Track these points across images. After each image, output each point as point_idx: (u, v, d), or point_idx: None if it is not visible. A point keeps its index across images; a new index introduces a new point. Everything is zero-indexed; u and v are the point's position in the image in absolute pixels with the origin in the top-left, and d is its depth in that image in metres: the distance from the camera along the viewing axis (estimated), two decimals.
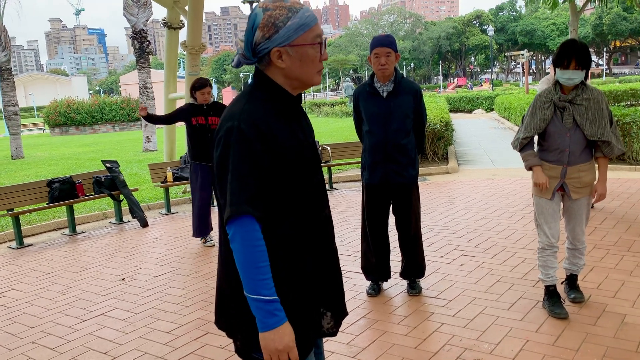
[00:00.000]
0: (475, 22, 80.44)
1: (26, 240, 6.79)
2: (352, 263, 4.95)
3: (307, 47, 1.61)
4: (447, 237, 5.59)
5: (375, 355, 3.24)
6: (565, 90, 3.43)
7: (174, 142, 9.77)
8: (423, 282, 4.35)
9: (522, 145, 3.60)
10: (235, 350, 1.70)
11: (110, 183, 7.35)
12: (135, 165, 13.15)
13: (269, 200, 1.58)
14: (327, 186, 8.93)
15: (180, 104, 10.12)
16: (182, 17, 9.31)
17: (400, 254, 4.29)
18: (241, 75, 76.65)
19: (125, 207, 7.64)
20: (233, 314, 1.65)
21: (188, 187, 8.85)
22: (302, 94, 1.77)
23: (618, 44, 70.88)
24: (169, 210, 7.93)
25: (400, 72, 3.96)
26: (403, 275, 4.21)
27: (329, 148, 8.92)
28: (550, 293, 3.64)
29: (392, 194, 4.01)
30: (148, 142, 17.58)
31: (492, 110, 24.57)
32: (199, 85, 5.64)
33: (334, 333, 1.77)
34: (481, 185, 8.26)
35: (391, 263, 4.30)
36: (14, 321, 4.21)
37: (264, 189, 1.56)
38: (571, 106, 3.40)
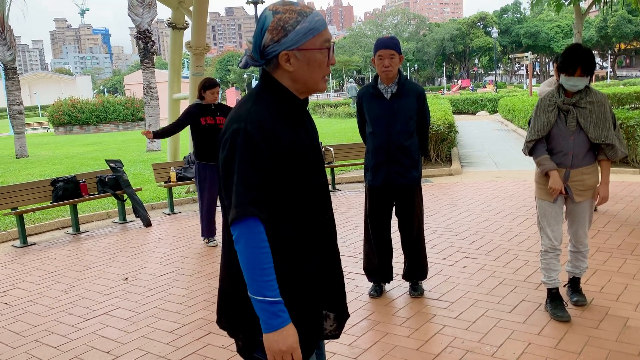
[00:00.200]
0: (479, 23, 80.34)
1: (30, 239, 6.82)
2: (355, 264, 4.95)
3: (315, 52, 1.61)
4: (449, 239, 5.59)
5: (377, 356, 3.24)
6: (569, 93, 3.44)
7: (178, 142, 9.78)
8: (425, 284, 4.35)
9: (530, 149, 3.58)
10: (237, 350, 1.70)
11: (114, 182, 7.37)
12: (139, 164, 13.18)
13: (272, 202, 1.58)
14: (330, 187, 8.94)
15: (184, 104, 10.14)
16: (186, 18, 9.33)
17: (402, 256, 4.29)
18: (245, 75, 76.76)
19: (128, 206, 7.66)
20: (235, 313, 1.66)
21: (191, 187, 8.88)
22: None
23: (623, 46, 70.65)
24: (172, 210, 7.95)
25: (404, 73, 3.96)
26: (405, 277, 4.21)
27: (332, 149, 8.92)
28: (553, 296, 3.63)
29: (395, 196, 4.02)
30: (152, 142, 17.62)
31: (495, 112, 24.55)
32: (210, 84, 5.68)
33: (336, 335, 1.78)
34: (484, 187, 8.25)
35: (393, 265, 4.30)
36: (17, 319, 4.23)
37: (268, 191, 1.56)
38: (575, 109, 3.40)
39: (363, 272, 4.31)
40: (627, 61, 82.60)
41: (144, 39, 17.73)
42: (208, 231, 5.93)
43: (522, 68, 75.21)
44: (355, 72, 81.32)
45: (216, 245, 5.98)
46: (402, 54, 3.85)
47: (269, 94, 1.64)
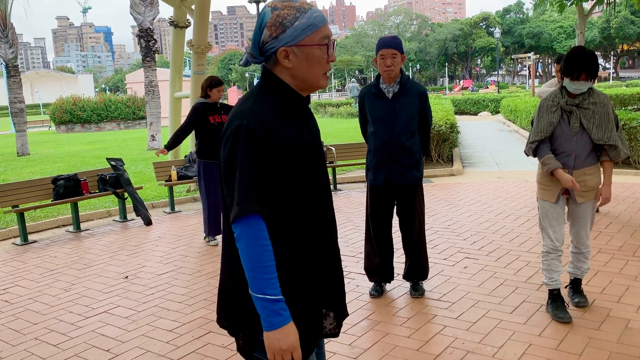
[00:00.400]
0: (482, 24, 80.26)
1: (30, 237, 6.82)
2: (355, 264, 4.94)
3: (313, 48, 1.61)
4: (450, 240, 5.58)
5: (377, 356, 3.23)
6: (572, 94, 3.42)
7: None
8: (426, 284, 4.34)
9: (533, 150, 3.57)
10: (237, 349, 1.70)
11: (114, 181, 7.37)
12: (140, 163, 13.18)
13: (273, 200, 1.57)
14: (331, 187, 8.93)
15: (185, 102, 10.15)
16: (188, 16, 9.33)
17: (403, 256, 4.28)
18: (247, 74, 76.74)
19: (129, 205, 7.66)
20: (235, 312, 1.65)
21: (192, 186, 8.88)
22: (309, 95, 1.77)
23: (625, 47, 70.55)
24: (173, 208, 7.94)
25: (406, 73, 3.95)
26: (406, 277, 4.20)
27: (333, 149, 8.91)
28: (554, 297, 3.62)
29: (396, 196, 4.01)
30: (153, 140, 17.63)
31: (497, 112, 24.52)
32: (216, 82, 5.71)
33: (336, 334, 1.77)
34: (486, 187, 8.24)
35: (394, 265, 4.29)
36: (17, 317, 4.22)
37: (270, 189, 1.55)
38: (578, 110, 3.39)
39: (364, 272, 4.31)
40: (630, 62, 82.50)
41: (145, 37, 17.73)
42: (215, 230, 5.91)
43: (524, 68, 75.21)
44: (357, 71, 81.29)
45: (217, 244, 5.97)
46: (404, 54, 3.84)
47: (271, 92, 1.63)
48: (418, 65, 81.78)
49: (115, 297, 4.54)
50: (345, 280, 4.40)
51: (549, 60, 78.35)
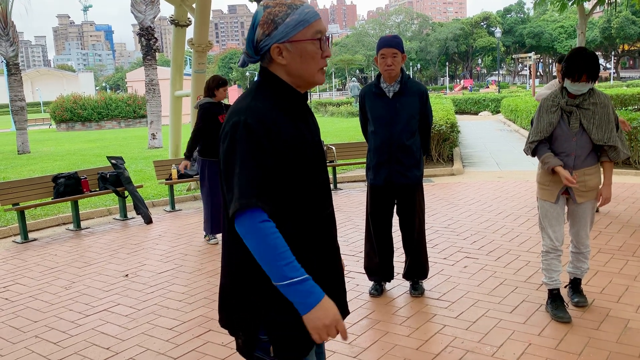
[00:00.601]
0: (482, 23, 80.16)
1: (31, 235, 6.82)
2: (355, 263, 4.95)
3: (306, 43, 1.61)
4: (450, 239, 5.58)
5: (377, 355, 3.23)
6: (572, 94, 3.42)
7: (179, 139, 9.78)
8: (426, 284, 4.34)
9: (532, 149, 3.57)
10: (236, 348, 1.69)
11: (115, 179, 7.38)
12: (140, 162, 13.19)
13: (273, 197, 1.57)
14: (332, 186, 8.94)
15: (186, 101, 10.17)
16: (189, 15, 9.33)
17: (403, 255, 4.28)
18: (247, 73, 76.73)
19: (129, 203, 7.66)
20: (235, 311, 1.65)
21: (193, 184, 8.88)
22: (309, 93, 1.77)
23: (626, 47, 70.46)
24: (173, 207, 7.95)
25: (407, 72, 3.96)
26: (406, 276, 4.20)
27: (334, 148, 8.92)
28: (554, 297, 3.62)
29: (397, 195, 4.01)
30: (153, 139, 17.63)
31: (498, 112, 24.51)
32: (223, 82, 5.74)
33: None
34: (486, 187, 8.24)
35: (394, 264, 4.30)
36: (17, 315, 4.23)
37: (270, 185, 1.55)
38: (578, 110, 3.39)
39: (364, 271, 4.31)
40: (631, 62, 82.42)
41: (146, 35, 17.73)
42: (217, 228, 5.90)
43: (525, 68, 75.11)
44: (358, 71, 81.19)
45: (217, 243, 5.98)
46: (404, 53, 3.84)
47: (268, 89, 1.63)
48: (419, 65, 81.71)
49: (116, 295, 4.55)
50: (345, 279, 4.40)
51: (550, 60, 78.33)
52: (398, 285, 4.35)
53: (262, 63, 1.66)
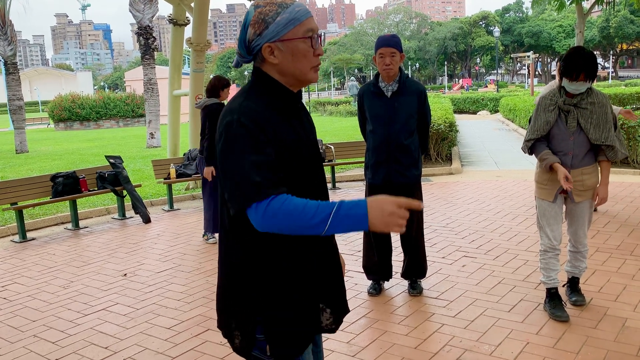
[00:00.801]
0: (481, 23, 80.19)
1: (29, 234, 6.82)
2: (354, 262, 4.95)
3: (297, 42, 1.60)
4: (449, 238, 5.59)
5: (375, 354, 3.24)
6: (570, 94, 3.43)
7: (178, 138, 9.78)
8: (424, 283, 4.35)
9: (529, 148, 3.57)
10: (233, 349, 1.68)
11: (113, 178, 7.37)
12: (138, 161, 13.18)
13: (277, 181, 1.55)
14: (330, 185, 8.94)
15: (184, 100, 10.15)
16: (187, 14, 9.32)
17: (402, 254, 4.28)
18: (246, 73, 76.73)
19: (128, 202, 7.66)
20: (232, 311, 1.65)
21: (191, 184, 8.88)
22: (306, 91, 1.76)
23: (625, 46, 70.51)
24: (171, 206, 7.95)
25: (405, 72, 3.96)
26: (404, 275, 4.21)
27: (332, 147, 8.92)
28: (552, 296, 3.63)
29: (395, 194, 4.01)
30: (152, 138, 17.62)
31: (496, 111, 24.52)
32: (227, 83, 5.78)
33: (333, 330, 1.76)
34: (484, 186, 8.24)
35: (393, 263, 4.30)
36: (16, 314, 4.23)
37: (268, 179, 1.52)
38: (576, 110, 3.39)
39: (362, 270, 4.31)
40: (629, 62, 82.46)
41: (144, 35, 17.71)
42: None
43: (523, 68, 75.14)
44: (356, 70, 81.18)
45: (215, 242, 5.98)
46: (403, 52, 3.84)
47: (261, 89, 1.63)
48: (417, 64, 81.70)
49: (114, 294, 4.55)
50: (344, 278, 4.41)
51: (548, 60, 78.40)
52: (396, 284, 4.35)
53: (255, 63, 1.66)
